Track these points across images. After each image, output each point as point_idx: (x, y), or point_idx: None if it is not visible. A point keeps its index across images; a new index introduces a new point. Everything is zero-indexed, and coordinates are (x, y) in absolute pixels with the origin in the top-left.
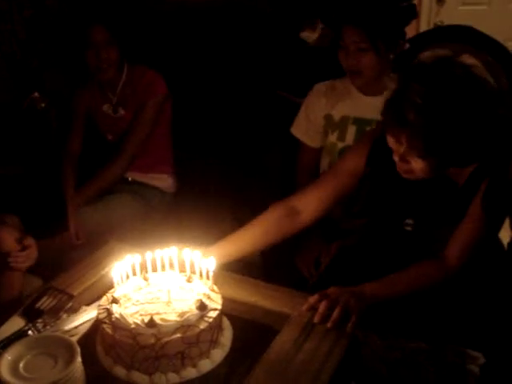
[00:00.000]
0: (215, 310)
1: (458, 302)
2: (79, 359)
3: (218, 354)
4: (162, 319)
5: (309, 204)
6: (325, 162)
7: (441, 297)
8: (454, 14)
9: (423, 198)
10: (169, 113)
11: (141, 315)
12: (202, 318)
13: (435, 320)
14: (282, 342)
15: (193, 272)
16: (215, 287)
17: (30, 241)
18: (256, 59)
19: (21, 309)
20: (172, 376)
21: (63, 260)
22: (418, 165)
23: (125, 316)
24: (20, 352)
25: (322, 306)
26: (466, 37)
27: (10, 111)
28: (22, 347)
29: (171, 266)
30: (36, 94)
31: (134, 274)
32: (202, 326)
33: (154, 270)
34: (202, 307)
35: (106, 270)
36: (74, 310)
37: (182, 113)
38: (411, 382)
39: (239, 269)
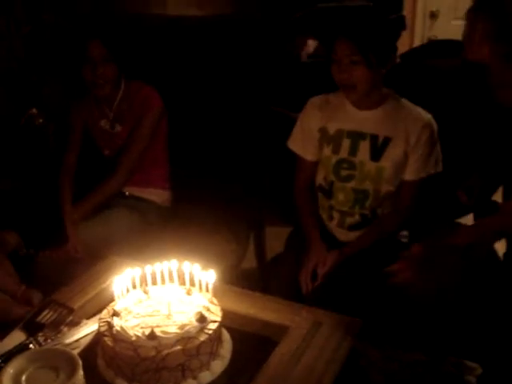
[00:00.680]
0: (215, 322)
1: (455, 313)
2: (81, 372)
3: (218, 366)
4: (162, 332)
5: None
6: (320, 176)
7: (439, 308)
8: (447, 29)
9: None
10: (165, 128)
11: (141, 328)
12: (201, 330)
13: (433, 331)
14: (281, 353)
15: (192, 285)
16: (214, 300)
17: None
18: (250, 75)
19: (21, 323)
20: None
21: (63, 274)
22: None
23: (126, 329)
24: (22, 365)
25: None
26: (459, 51)
27: (8, 127)
28: (23, 360)
29: (171, 279)
30: (34, 110)
31: (134, 287)
32: (202, 338)
33: (154, 283)
34: (202, 319)
35: (106, 283)
36: (75, 324)
37: (177, 128)
38: None
39: (237, 281)
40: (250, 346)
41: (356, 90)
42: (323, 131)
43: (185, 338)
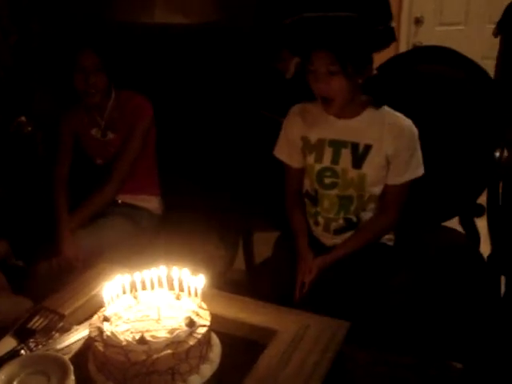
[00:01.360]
0: (204, 326)
1: (440, 315)
2: (72, 377)
3: (207, 370)
4: (152, 336)
5: None
6: (307, 183)
7: (425, 310)
8: (431, 35)
9: None
10: (154, 135)
11: (131, 333)
12: (191, 334)
13: (420, 334)
14: (270, 356)
15: (181, 290)
16: (203, 304)
17: None
18: (238, 82)
19: (12, 329)
20: None
21: (56, 283)
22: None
23: (116, 334)
24: (13, 371)
25: None
26: (443, 57)
27: None
28: (15, 366)
29: (160, 284)
30: (22, 118)
31: (124, 293)
32: (192, 342)
33: (144, 288)
34: (191, 324)
35: (97, 290)
36: (66, 330)
37: (167, 136)
38: None
39: (226, 286)
40: (238, 349)
41: (334, 102)
42: (305, 140)
43: (174, 342)
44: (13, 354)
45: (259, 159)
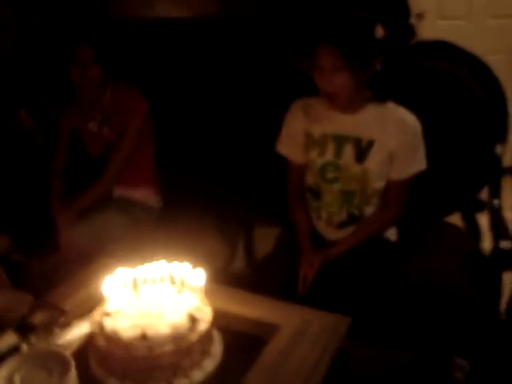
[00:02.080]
0: (206, 321)
1: (443, 311)
2: (74, 372)
3: (209, 365)
4: (154, 331)
5: None
6: (308, 177)
7: (428, 306)
8: (433, 29)
9: None
10: (151, 128)
11: (133, 328)
12: (193, 329)
13: (422, 329)
14: (271, 352)
15: (183, 285)
16: (205, 299)
17: None
18: (245, 75)
19: (13, 325)
20: None
21: (54, 277)
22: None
23: (117, 329)
24: (15, 367)
25: None
26: (445, 51)
27: None
28: (16, 362)
29: (161, 279)
30: (22, 113)
31: (125, 288)
32: (193, 337)
33: (145, 283)
34: (193, 319)
35: (98, 285)
36: (67, 325)
37: (167, 130)
38: None
39: (227, 281)
40: (240, 344)
41: (339, 97)
42: (308, 135)
43: (176, 337)
44: (14, 350)
45: (261, 154)
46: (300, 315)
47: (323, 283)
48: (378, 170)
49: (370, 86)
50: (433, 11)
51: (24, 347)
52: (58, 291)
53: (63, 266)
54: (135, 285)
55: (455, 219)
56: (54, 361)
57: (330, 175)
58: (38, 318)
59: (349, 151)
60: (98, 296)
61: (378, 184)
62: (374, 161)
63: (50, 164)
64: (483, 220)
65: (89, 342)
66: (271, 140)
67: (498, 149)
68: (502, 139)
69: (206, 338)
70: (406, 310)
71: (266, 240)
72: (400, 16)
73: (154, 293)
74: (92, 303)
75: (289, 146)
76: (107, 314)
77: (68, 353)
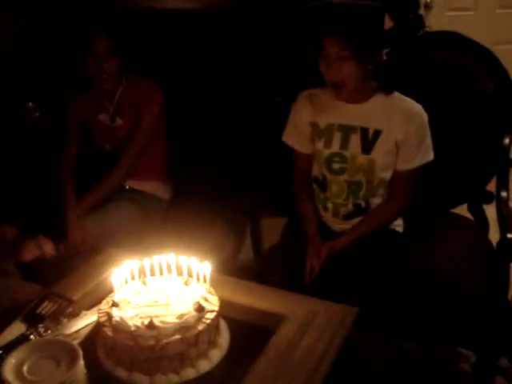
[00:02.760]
0: (213, 311)
1: (449, 302)
2: (81, 362)
3: (216, 355)
4: (161, 321)
5: None
6: (315, 168)
7: (434, 296)
8: (441, 20)
9: None
10: (164, 121)
11: (140, 318)
12: (200, 319)
13: (428, 320)
14: (278, 342)
15: (190, 275)
16: (212, 290)
17: None
18: (252, 65)
19: (21, 314)
20: (172, 376)
21: (63, 268)
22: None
23: (125, 319)
24: (23, 356)
25: None
26: (453, 42)
27: (4, 121)
28: (24, 351)
29: (169, 270)
30: (30, 104)
31: (133, 278)
32: (200, 327)
33: (153, 274)
34: (200, 309)
35: (105, 275)
36: (75, 315)
37: (177, 121)
38: (404, 382)
39: (235, 272)
40: (247, 335)
41: (345, 87)
42: (314, 126)
43: (183, 327)
44: (22, 339)
45: (268, 145)
46: (307, 306)
47: (330, 274)
48: (384, 161)
49: (376, 76)
50: (441, 2)
51: (32, 337)
52: (66, 281)
53: (73, 256)
54: (143, 275)
55: (462, 210)
56: (61, 350)
57: (336, 166)
58: (47, 307)
59: (355, 141)
60: (106, 286)
61: (385, 174)
62: (380, 151)
63: (59, 155)
64: (490, 211)
65: (96, 331)
66: (278, 131)
67: (507, 140)
68: (511, 130)
69: (213, 328)
70: (412, 301)
71: (273, 230)
72: (409, 7)
73: (162, 283)
74: (100, 293)
75: (295, 136)
76: (115, 304)
77: (76, 342)
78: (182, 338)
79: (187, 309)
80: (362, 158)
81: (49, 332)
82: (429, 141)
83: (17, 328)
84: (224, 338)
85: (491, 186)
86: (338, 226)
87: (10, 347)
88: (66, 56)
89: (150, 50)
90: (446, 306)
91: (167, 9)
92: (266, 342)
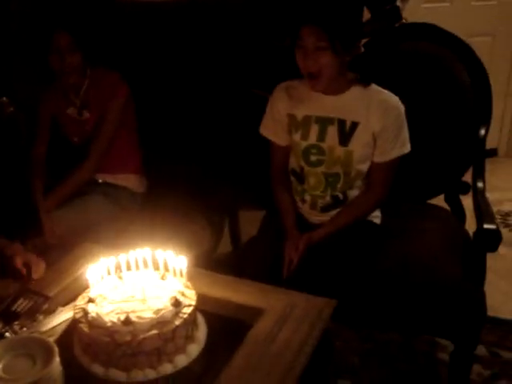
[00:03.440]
0: (190, 306)
1: (428, 293)
2: (57, 359)
3: (194, 349)
4: (137, 317)
5: None
6: (293, 160)
7: (412, 287)
8: (417, 12)
9: None
10: (132, 113)
11: (117, 313)
12: (176, 314)
13: (406, 310)
14: (256, 335)
15: (166, 270)
16: (189, 284)
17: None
18: (230, 57)
19: None
20: (149, 372)
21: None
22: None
23: (101, 315)
24: None
25: None
26: (429, 34)
27: None
28: None
29: (145, 264)
30: (4, 99)
31: (109, 273)
32: (177, 322)
33: (129, 269)
34: (177, 304)
35: (81, 270)
36: (51, 311)
37: (152, 113)
38: (383, 373)
39: (213, 266)
40: (225, 329)
41: (321, 77)
42: (291, 117)
43: (160, 322)
44: None
45: (245, 137)
46: (285, 299)
47: (308, 266)
48: (361, 153)
49: (353, 68)
50: None
51: (7, 334)
52: (42, 277)
53: (47, 252)
54: (119, 270)
55: (439, 201)
56: (37, 348)
57: (313, 158)
58: (22, 304)
59: (332, 133)
60: (83, 282)
61: (362, 166)
62: (357, 143)
63: (30, 150)
64: (467, 202)
65: (73, 328)
66: (257, 123)
67: (482, 131)
68: (486, 121)
69: (190, 322)
70: (391, 292)
71: (251, 224)
72: None
73: (138, 278)
74: (76, 289)
75: (272, 128)
76: (91, 300)
77: (52, 340)
78: (158, 333)
79: (164, 304)
80: (340, 150)
81: (24, 329)
82: (406, 133)
83: None
84: (201, 333)
85: (467, 177)
86: (315, 218)
87: None
88: (35, 51)
89: (123, 43)
90: (424, 297)
91: (143, 1)
92: (244, 336)
